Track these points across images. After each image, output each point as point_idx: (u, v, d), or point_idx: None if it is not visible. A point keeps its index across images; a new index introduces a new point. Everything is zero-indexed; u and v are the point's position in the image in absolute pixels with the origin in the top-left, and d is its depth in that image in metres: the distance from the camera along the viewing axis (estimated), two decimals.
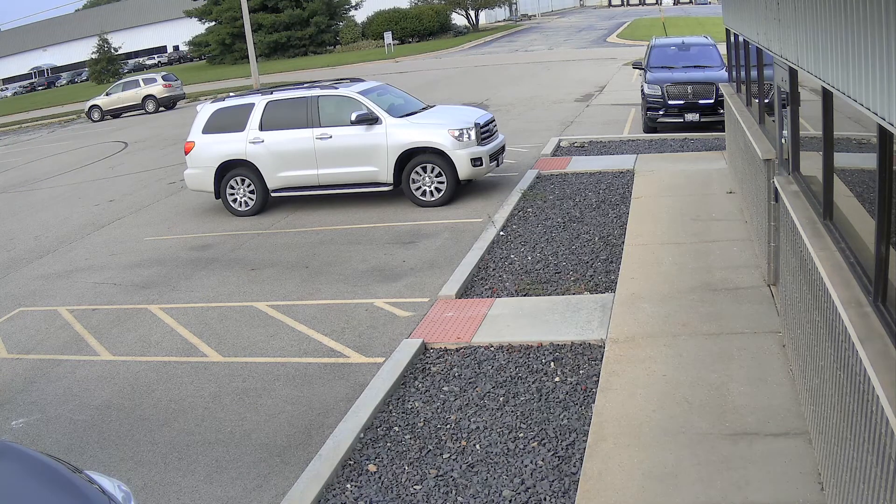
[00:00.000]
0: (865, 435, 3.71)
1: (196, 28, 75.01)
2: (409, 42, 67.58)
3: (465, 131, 12.61)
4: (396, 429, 6.38)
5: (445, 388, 6.94)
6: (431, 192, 12.89)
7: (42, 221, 15.44)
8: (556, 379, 6.87)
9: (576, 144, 16.85)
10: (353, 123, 12.81)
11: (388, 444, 6.16)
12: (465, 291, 9.11)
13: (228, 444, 6.47)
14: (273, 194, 13.61)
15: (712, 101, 16.28)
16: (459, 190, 13.16)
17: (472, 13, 74.32)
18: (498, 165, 13.43)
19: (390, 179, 12.89)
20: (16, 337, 9.35)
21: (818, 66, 4.79)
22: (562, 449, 5.85)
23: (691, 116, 16.53)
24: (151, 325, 9.18)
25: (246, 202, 13.71)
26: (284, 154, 13.16)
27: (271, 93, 13.72)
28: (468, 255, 10.19)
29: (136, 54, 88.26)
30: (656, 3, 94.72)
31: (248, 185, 13.58)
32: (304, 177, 13.23)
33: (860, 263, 4.28)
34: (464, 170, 12.66)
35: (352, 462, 5.98)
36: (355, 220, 12.69)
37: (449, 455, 5.94)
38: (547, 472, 5.59)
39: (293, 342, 8.30)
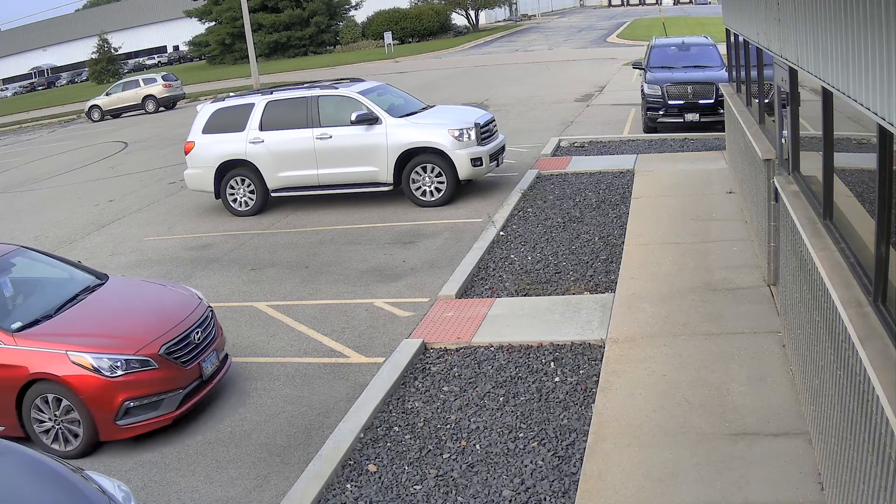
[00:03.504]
0: (865, 435, 3.71)
1: (196, 28, 74.98)
2: (409, 42, 67.56)
3: (465, 131, 12.61)
4: (396, 429, 6.38)
5: (445, 388, 6.94)
6: (431, 192, 12.89)
7: (42, 221, 15.44)
8: (556, 379, 6.88)
9: (576, 144, 16.85)
10: (353, 123, 12.81)
11: (388, 444, 6.17)
12: (465, 291, 9.11)
13: (228, 444, 6.48)
14: (273, 194, 13.61)
15: (712, 101, 16.28)
16: (459, 190, 13.17)
17: (472, 13, 74.28)
18: (498, 165, 13.43)
19: (390, 179, 12.90)
20: None
21: (818, 66, 4.79)
22: (562, 449, 5.85)
23: (691, 116, 16.53)
24: None
25: (246, 202, 13.71)
26: (284, 154, 13.16)
27: (271, 93, 13.72)
28: (468, 255, 10.19)
29: (136, 54, 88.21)
30: (656, 3, 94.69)
31: (248, 185, 13.59)
32: (304, 177, 13.23)
33: (860, 263, 4.28)
34: (464, 170, 12.66)
35: (352, 462, 5.98)
36: (355, 220, 12.70)
37: (449, 455, 5.94)
38: (547, 472, 5.60)
39: (293, 342, 8.30)
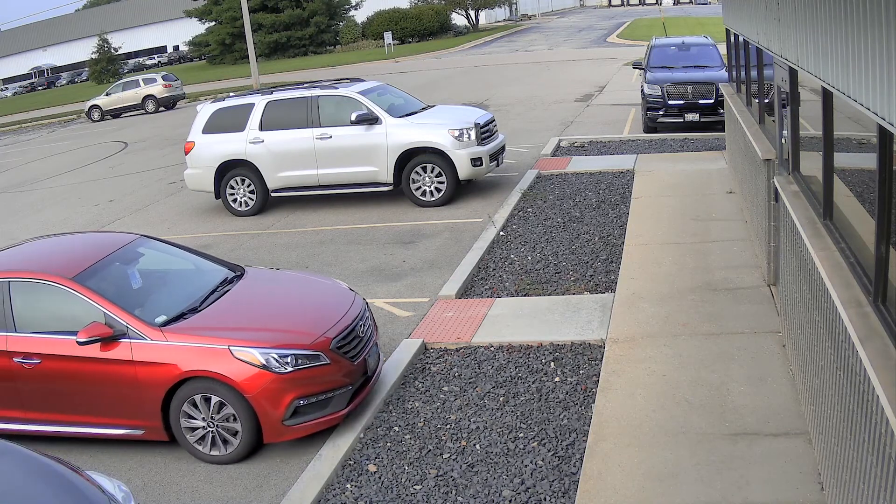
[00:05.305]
0: (865, 435, 3.71)
1: (196, 28, 74.97)
2: (409, 42, 67.55)
3: (465, 131, 12.61)
4: (396, 429, 6.38)
5: (445, 388, 6.94)
6: (431, 192, 12.89)
7: (42, 221, 15.44)
8: (556, 379, 6.88)
9: (576, 144, 16.85)
10: (353, 123, 12.81)
11: (388, 444, 6.17)
12: (465, 291, 9.11)
13: None
14: (273, 194, 13.61)
15: (712, 101, 16.28)
16: (459, 190, 13.17)
17: (472, 13, 74.27)
18: (498, 165, 13.43)
19: (390, 179, 12.90)
20: None
21: (818, 66, 4.79)
22: (562, 449, 5.85)
23: (691, 116, 16.53)
24: None
25: (246, 202, 13.71)
26: (284, 154, 13.16)
27: (271, 93, 13.71)
28: (468, 255, 10.19)
29: (137, 54, 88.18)
30: (656, 3, 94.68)
31: (248, 185, 13.59)
32: (304, 177, 13.24)
33: (860, 263, 4.28)
34: (464, 170, 12.66)
35: (352, 462, 5.99)
36: (355, 220, 12.70)
37: (449, 455, 5.94)
38: (547, 472, 5.60)
39: None
